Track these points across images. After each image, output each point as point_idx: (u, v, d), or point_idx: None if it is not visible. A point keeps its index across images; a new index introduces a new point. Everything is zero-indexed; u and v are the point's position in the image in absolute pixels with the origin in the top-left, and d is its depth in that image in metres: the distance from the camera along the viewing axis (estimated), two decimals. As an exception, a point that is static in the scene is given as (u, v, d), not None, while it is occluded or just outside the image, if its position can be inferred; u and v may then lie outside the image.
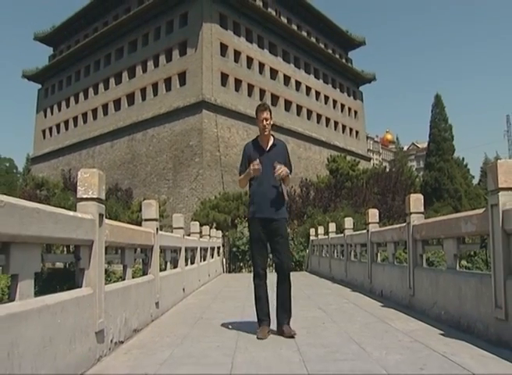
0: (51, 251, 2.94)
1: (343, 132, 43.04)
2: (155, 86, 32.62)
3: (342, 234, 8.40)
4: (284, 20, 37.29)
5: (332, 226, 10.09)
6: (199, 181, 28.39)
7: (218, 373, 2.31)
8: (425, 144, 37.21)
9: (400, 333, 3.28)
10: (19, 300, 1.85)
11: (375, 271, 6.03)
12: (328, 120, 40.97)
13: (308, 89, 39.06)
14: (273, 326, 3.29)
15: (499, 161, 2.85)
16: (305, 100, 38.36)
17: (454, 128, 30.83)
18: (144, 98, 33.38)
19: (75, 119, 39.07)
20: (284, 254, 3.30)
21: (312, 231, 13.36)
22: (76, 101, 39.18)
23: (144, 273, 4.16)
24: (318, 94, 40.13)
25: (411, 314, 4.11)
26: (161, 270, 4.59)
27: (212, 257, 10.35)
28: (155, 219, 4.32)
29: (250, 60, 33.55)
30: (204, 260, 8.81)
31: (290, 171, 3.41)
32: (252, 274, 3.41)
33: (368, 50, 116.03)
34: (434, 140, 30.45)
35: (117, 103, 35.41)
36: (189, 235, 7.62)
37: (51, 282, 7.85)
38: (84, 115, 38.17)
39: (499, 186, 2.76)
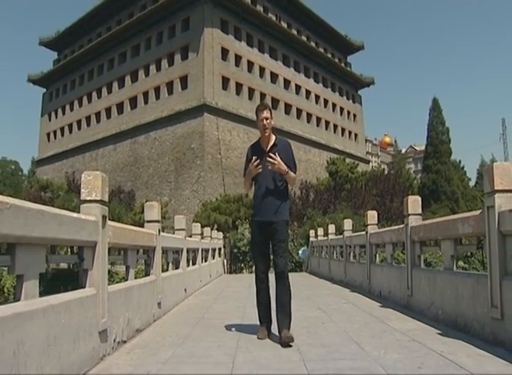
0: (55, 252, 2.99)
1: (342, 135, 43.15)
2: (157, 90, 32.79)
3: (341, 236, 8.44)
4: (284, 25, 37.46)
5: (332, 228, 10.12)
6: (200, 183, 28.46)
7: (220, 372, 2.34)
8: (423, 147, 37.24)
9: (398, 332, 3.31)
10: (25, 300, 1.88)
11: (373, 272, 6.06)
12: (327, 123, 41.08)
13: (308, 93, 39.19)
14: (274, 325, 3.28)
15: (494, 163, 2.89)
16: (305, 103, 38.48)
17: (451, 131, 31.11)
18: (146, 101, 33.55)
19: (79, 122, 39.28)
20: (280, 258, 3.16)
21: (312, 233, 13.38)
22: (80, 105, 39.41)
23: (147, 274, 4.19)
24: (317, 97, 40.26)
25: (409, 314, 4.14)
26: (163, 271, 4.62)
27: (213, 258, 10.38)
28: (157, 221, 4.36)
29: (250, 64, 33.70)
30: (206, 261, 8.84)
31: (294, 170, 3.27)
32: (254, 276, 3.39)
33: (366, 54, 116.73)
34: (431, 143, 30.57)
35: (120, 107, 35.59)
36: (190, 236, 7.66)
37: (55, 282, 7.89)
38: (88, 118, 38.38)
39: (495, 188, 2.80)
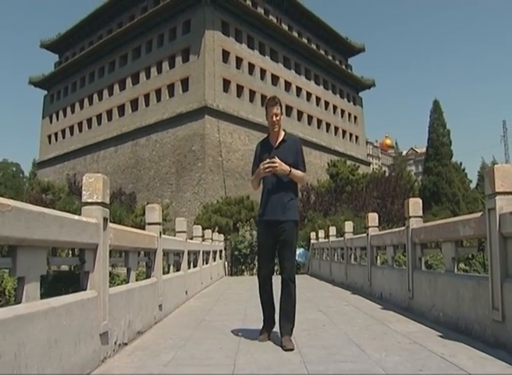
0: (56, 254, 2.99)
1: (343, 137, 43.19)
2: (159, 92, 32.88)
3: (342, 238, 8.43)
4: (285, 27, 37.57)
5: (333, 230, 10.12)
6: (201, 185, 28.48)
7: (221, 373, 2.34)
8: (424, 149, 37.25)
9: (399, 335, 3.31)
10: (26, 302, 1.88)
11: (374, 274, 6.05)
12: (328, 125, 41.13)
13: (309, 95, 39.26)
14: (275, 328, 3.26)
15: (495, 165, 2.88)
16: (306, 105, 38.55)
17: (452, 133, 31.06)
18: (147, 103, 33.64)
19: (80, 124, 39.39)
20: (288, 262, 3.04)
21: (313, 235, 13.40)
22: (81, 107, 39.53)
23: (148, 276, 4.20)
24: (318, 99, 40.34)
25: (410, 316, 4.14)
26: (164, 273, 4.62)
27: (214, 260, 10.38)
28: (158, 223, 4.37)
29: (251, 66, 33.78)
30: (207, 263, 8.84)
31: (303, 168, 3.13)
32: (257, 280, 3.26)
33: (367, 56, 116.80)
34: (432, 145, 30.58)
35: (121, 109, 35.70)
36: (191, 239, 7.67)
37: (56, 285, 7.88)
38: (89, 120, 38.49)
39: (496, 190, 2.79)
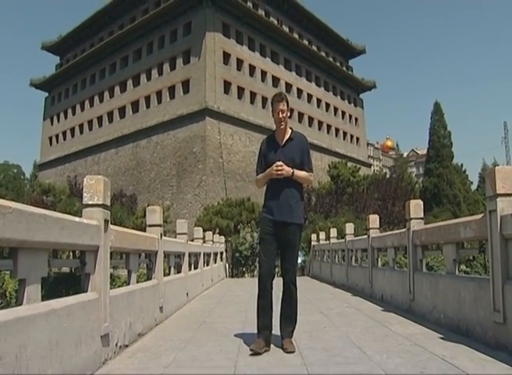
0: (57, 256, 3.00)
1: (344, 139, 43.20)
2: (159, 94, 32.95)
3: (343, 240, 8.42)
4: (286, 29, 37.65)
5: (334, 232, 10.12)
6: (202, 187, 28.50)
7: (222, 375, 2.34)
8: (425, 151, 37.22)
9: (400, 337, 3.30)
10: (27, 304, 1.89)
11: (375, 276, 6.04)
12: (329, 127, 41.15)
13: (310, 96, 39.30)
14: (275, 330, 3.19)
15: (497, 167, 2.87)
16: (306, 107, 38.57)
17: (453, 135, 30.96)
18: (148, 105, 33.71)
19: (81, 126, 39.49)
20: (291, 265, 3.00)
21: (314, 237, 13.38)
22: (82, 109, 39.64)
23: (148, 278, 4.20)
24: (319, 101, 40.38)
25: (411, 318, 4.13)
26: (165, 275, 4.62)
27: (215, 262, 10.37)
28: (159, 225, 4.37)
29: (252, 68, 33.84)
30: (208, 265, 8.84)
31: (308, 168, 3.04)
32: (257, 281, 3.09)
33: (368, 58, 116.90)
34: (433, 146, 30.55)
35: (122, 111, 35.78)
36: (192, 240, 7.67)
37: (57, 286, 7.87)
38: (90, 122, 38.58)
39: (497, 192, 2.79)
